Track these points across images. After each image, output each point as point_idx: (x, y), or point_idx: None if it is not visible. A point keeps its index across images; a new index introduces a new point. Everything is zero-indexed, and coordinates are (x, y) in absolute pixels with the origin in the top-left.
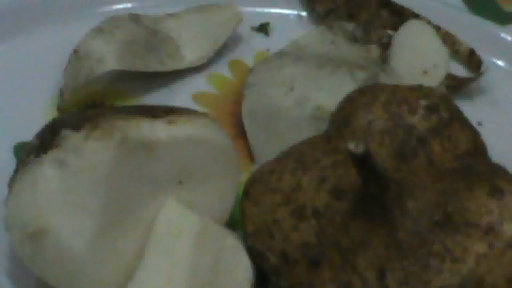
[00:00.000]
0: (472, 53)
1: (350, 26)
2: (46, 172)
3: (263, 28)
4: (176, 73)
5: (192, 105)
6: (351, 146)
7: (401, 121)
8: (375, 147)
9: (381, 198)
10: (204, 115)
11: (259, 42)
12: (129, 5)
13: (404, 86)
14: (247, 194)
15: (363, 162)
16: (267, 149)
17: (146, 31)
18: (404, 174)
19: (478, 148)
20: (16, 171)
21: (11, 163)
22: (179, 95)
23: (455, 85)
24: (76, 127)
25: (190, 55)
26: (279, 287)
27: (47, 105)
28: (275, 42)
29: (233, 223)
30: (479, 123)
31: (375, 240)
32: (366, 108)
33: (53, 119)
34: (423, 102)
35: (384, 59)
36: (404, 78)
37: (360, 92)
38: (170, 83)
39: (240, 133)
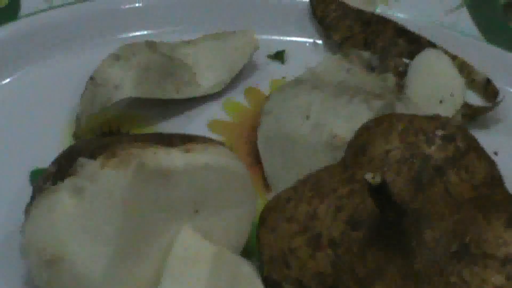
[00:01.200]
0: (488, 82)
1: (366, 54)
2: (63, 199)
3: (279, 56)
4: (192, 100)
5: (208, 133)
6: (368, 176)
7: (418, 151)
8: (392, 176)
9: (398, 228)
10: (220, 143)
11: (275, 70)
12: (145, 32)
13: (421, 115)
14: (263, 222)
15: (380, 193)
16: (283, 176)
17: (162, 58)
18: (421, 204)
19: (494, 178)
20: (33, 198)
21: (28, 190)
22: (195, 122)
23: (471, 114)
24: (92, 155)
25: (206, 82)
26: None
27: (64, 132)
28: (291, 70)
29: (249, 251)
30: (495, 153)
31: (392, 270)
32: (383, 138)
33: (70, 146)
34: (439, 132)
35: (400, 88)
36: (420, 107)
37: (377, 122)
38: (186, 110)
39: (256, 160)
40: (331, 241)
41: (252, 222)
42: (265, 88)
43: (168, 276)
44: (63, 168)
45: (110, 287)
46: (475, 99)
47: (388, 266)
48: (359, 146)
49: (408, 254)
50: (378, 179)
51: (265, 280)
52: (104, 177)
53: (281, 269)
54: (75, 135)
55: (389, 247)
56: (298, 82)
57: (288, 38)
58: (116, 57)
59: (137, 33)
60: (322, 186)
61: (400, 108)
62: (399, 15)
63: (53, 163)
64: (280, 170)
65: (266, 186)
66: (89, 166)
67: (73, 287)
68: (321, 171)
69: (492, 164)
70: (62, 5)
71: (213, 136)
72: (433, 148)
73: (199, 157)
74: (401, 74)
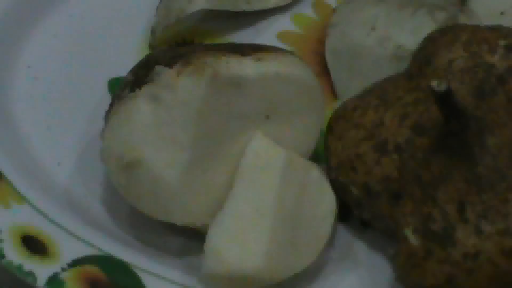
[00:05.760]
0: None
1: None
2: (140, 106)
3: None
4: (262, 12)
5: (277, 44)
6: (434, 84)
7: (481, 60)
8: (456, 85)
9: (461, 135)
10: (290, 52)
11: None
12: None
13: (484, 26)
14: (331, 129)
15: (445, 100)
16: (350, 86)
17: None
18: (483, 112)
19: None
20: (111, 105)
21: (106, 98)
22: (264, 34)
23: None
24: (168, 64)
25: None
26: (361, 219)
27: (140, 43)
28: None
29: (317, 158)
30: None
31: (455, 175)
32: (447, 48)
33: (146, 56)
34: (502, 42)
35: (462, 0)
36: (481, 19)
37: (441, 32)
38: (256, 22)
39: (324, 71)
40: (397, 146)
41: (321, 129)
42: (332, 0)
43: (241, 180)
44: (140, 76)
45: (186, 191)
46: None
47: (451, 171)
48: (424, 56)
49: (471, 160)
50: (443, 86)
51: (332, 184)
52: (180, 85)
53: (348, 173)
54: (151, 46)
55: (453, 153)
56: None
57: None
58: None
59: None
60: (387, 94)
61: (463, 20)
62: None
63: (131, 72)
64: (347, 79)
65: (334, 95)
66: (165, 74)
67: (150, 191)
68: (386, 81)
69: None
70: None
71: (283, 46)
72: (496, 57)
73: (270, 65)
74: None
